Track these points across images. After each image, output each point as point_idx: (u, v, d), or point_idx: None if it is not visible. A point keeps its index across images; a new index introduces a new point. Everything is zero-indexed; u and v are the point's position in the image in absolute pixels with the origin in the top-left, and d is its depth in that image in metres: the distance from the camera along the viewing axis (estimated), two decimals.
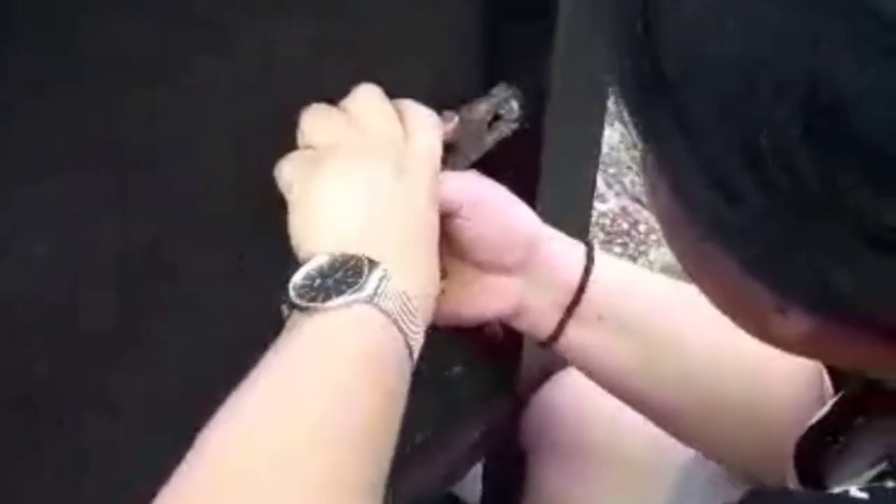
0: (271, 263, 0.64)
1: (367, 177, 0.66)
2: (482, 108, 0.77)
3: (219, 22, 0.63)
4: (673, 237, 0.52)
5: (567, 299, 0.77)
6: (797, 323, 0.47)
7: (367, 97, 0.69)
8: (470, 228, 0.74)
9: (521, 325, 0.79)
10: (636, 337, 0.78)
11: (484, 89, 0.79)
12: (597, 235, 1.62)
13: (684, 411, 0.79)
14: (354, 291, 0.60)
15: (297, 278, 0.61)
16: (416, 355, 0.63)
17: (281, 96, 0.68)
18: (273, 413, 0.56)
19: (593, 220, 1.61)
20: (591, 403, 0.96)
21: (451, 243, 0.74)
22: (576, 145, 0.88)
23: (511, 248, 0.76)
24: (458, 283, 0.76)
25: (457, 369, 0.95)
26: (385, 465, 0.57)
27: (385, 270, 0.61)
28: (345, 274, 0.61)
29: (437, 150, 0.71)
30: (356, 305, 0.60)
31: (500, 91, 0.78)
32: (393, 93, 0.72)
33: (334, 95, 0.70)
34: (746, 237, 0.44)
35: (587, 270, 0.77)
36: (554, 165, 0.85)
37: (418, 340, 0.63)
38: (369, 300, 0.60)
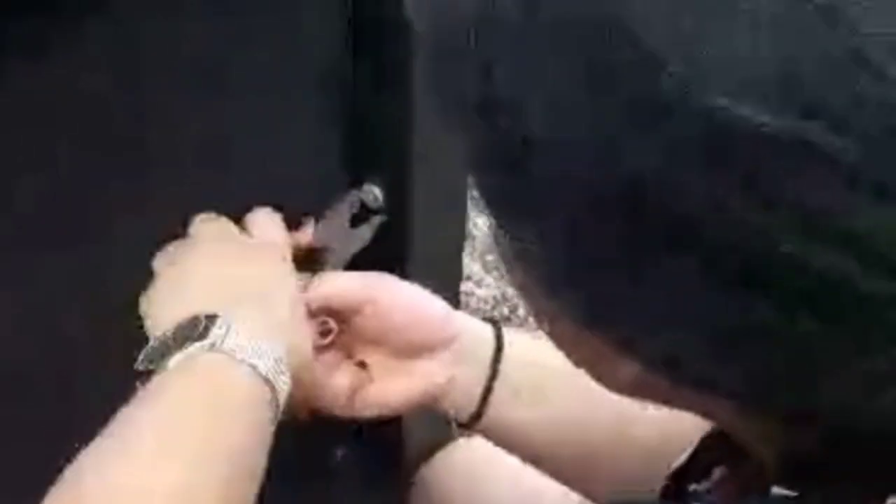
0: None
1: (208, 260, 0.73)
2: (345, 206, 0.83)
3: None
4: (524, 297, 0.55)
5: (485, 374, 0.79)
6: (626, 371, 0.50)
7: (200, 219, 0.77)
8: (377, 320, 0.78)
9: (443, 406, 0.80)
10: (550, 403, 0.80)
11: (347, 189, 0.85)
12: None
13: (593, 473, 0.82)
14: (194, 341, 0.64)
15: (145, 350, 0.66)
16: (282, 398, 0.66)
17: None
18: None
19: (473, 305, 1.67)
20: (480, 476, 0.99)
21: (368, 339, 0.79)
22: (441, 233, 0.94)
23: (424, 329, 0.79)
24: (384, 374, 0.79)
25: (339, 452, 0.99)
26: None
27: (226, 320, 0.65)
28: (185, 333, 0.65)
29: (279, 231, 0.78)
30: (199, 354, 0.64)
31: (358, 193, 0.84)
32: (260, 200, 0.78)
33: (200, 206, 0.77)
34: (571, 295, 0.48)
35: (499, 343, 0.80)
36: (422, 254, 0.91)
37: (283, 382, 0.66)
38: (210, 347, 0.64)
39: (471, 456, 0.89)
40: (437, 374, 0.79)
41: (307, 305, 0.76)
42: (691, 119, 0.41)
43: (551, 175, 0.44)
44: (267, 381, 0.65)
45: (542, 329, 0.56)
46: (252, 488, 0.62)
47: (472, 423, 0.80)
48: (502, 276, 1.74)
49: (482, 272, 1.73)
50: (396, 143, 0.84)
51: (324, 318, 0.78)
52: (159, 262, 0.74)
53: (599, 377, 0.55)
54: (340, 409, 0.79)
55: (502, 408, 0.80)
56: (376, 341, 0.79)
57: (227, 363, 0.65)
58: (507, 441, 0.82)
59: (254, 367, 0.65)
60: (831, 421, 0.46)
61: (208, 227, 0.77)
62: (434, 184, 0.87)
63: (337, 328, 0.78)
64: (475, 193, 0.51)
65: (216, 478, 0.59)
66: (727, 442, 0.58)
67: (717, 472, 0.63)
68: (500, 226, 0.49)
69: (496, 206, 0.49)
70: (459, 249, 0.99)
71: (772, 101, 0.40)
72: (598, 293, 0.47)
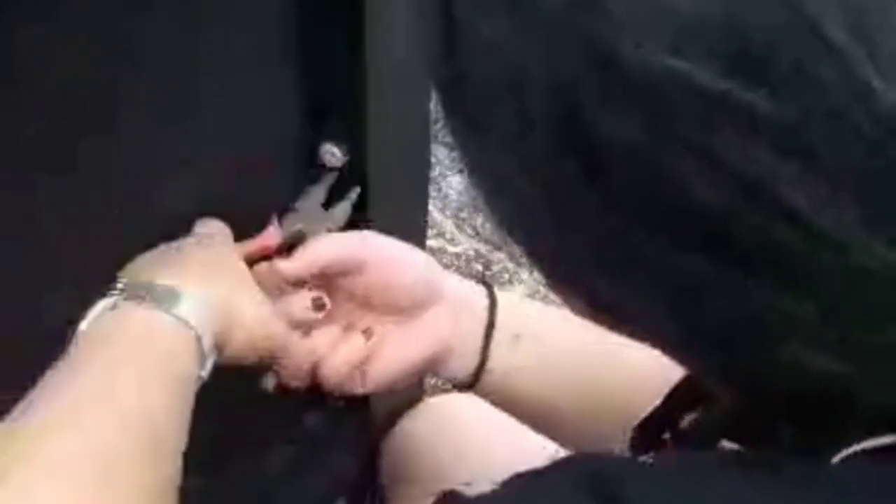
0: None
1: (156, 252, 0.73)
2: (317, 190, 0.82)
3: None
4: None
5: (483, 325, 0.79)
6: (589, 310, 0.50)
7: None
8: (369, 279, 0.77)
9: (445, 365, 0.79)
10: (546, 350, 0.80)
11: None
12: None
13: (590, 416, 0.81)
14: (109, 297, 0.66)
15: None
16: (206, 342, 0.66)
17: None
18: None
19: (447, 262, 1.66)
20: (448, 434, 0.99)
21: (363, 303, 0.78)
22: (404, 189, 0.93)
23: (416, 281, 0.78)
24: (388, 342, 0.78)
25: (309, 420, 0.98)
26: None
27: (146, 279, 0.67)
28: (129, 287, 0.67)
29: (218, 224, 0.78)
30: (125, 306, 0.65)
31: (322, 147, 0.83)
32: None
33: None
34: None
35: (492, 295, 0.80)
36: (384, 210, 0.89)
37: (196, 318, 0.66)
38: (133, 298, 0.65)
39: (438, 417, 0.88)
40: (441, 327, 0.78)
41: (296, 275, 0.75)
42: (636, 71, 0.39)
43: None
44: (184, 322, 0.66)
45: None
46: (176, 443, 0.62)
47: (474, 380, 0.79)
48: (476, 234, 1.73)
49: (455, 230, 1.72)
50: (353, 101, 0.82)
51: (316, 293, 0.76)
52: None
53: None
54: (351, 384, 0.77)
55: (503, 358, 0.79)
56: (371, 304, 0.78)
57: (149, 313, 0.65)
58: (508, 395, 0.81)
59: (175, 316, 0.65)
60: (778, 382, 0.45)
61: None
62: (394, 142, 0.86)
63: (330, 303, 0.77)
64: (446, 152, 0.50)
65: (137, 437, 0.59)
66: (699, 387, 0.57)
67: (687, 420, 0.63)
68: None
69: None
70: (424, 205, 0.98)
71: (719, 61, 0.38)
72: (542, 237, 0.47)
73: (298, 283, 0.76)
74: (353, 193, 0.84)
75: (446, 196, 1.73)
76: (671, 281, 0.43)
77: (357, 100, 0.81)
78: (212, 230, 0.78)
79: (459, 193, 1.75)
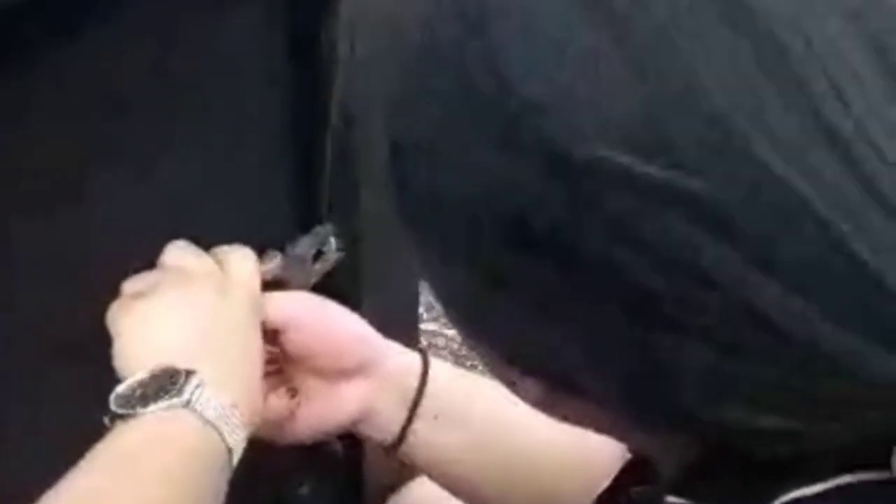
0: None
1: (187, 301, 0.73)
2: (305, 243, 0.86)
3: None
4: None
5: (409, 399, 0.83)
6: (531, 389, 0.55)
7: (177, 247, 0.78)
8: (301, 341, 0.80)
9: (368, 430, 0.84)
10: (469, 429, 0.84)
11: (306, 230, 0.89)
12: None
13: (511, 495, 0.86)
14: (172, 397, 0.66)
15: (119, 390, 0.68)
16: (236, 457, 0.69)
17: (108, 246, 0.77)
18: None
19: (441, 344, 1.69)
20: None
21: (291, 361, 0.81)
22: (394, 276, 0.97)
23: (347, 353, 0.82)
24: (308, 397, 0.82)
25: (303, 489, 1.01)
26: None
27: (201, 378, 0.67)
28: (163, 383, 0.67)
29: (254, 277, 0.79)
30: (173, 410, 0.66)
31: (321, 230, 0.88)
32: (222, 240, 0.81)
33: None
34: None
35: (424, 370, 0.83)
36: (375, 297, 0.94)
37: (238, 442, 0.69)
38: (185, 405, 0.66)
39: (429, 495, 0.92)
40: (358, 400, 0.82)
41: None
42: (570, 165, 0.45)
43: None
44: (227, 447, 0.68)
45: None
46: None
47: (395, 447, 0.84)
48: None
49: None
50: (347, 188, 0.87)
51: (269, 346, 0.80)
52: (132, 287, 0.75)
53: (515, 393, 0.58)
54: (276, 434, 0.81)
55: (424, 433, 0.83)
56: (303, 363, 0.81)
57: (203, 429, 0.67)
58: (427, 465, 0.86)
59: (219, 432, 0.67)
60: (711, 433, 0.49)
61: (183, 259, 0.77)
62: (386, 228, 0.90)
63: (269, 348, 0.80)
64: None
65: None
66: (646, 464, 0.61)
67: (634, 490, 0.67)
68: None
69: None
70: (415, 288, 1.02)
71: (640, 150, 0.44)
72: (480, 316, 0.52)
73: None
74: (334, 255, 0.88)
75: None
76: (618, 352, 0.48)
77: (353, 188, 0.86)
78: (239, 267, 0.78)
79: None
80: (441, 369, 0.85)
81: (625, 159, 0.44)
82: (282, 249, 0.86)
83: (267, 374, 0.79)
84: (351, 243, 0.88)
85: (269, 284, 0.83)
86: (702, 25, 0.44)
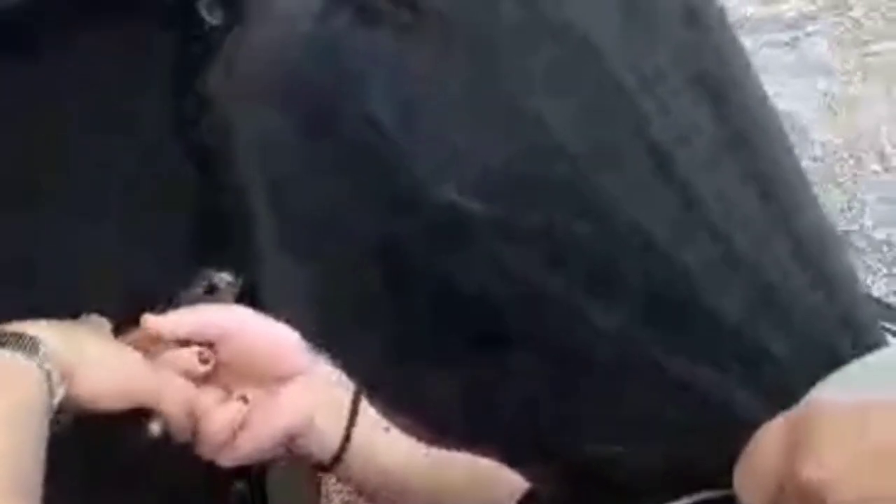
0: None
1: None
2: (196, 284, 0.89)
3: None
4: None
5: (346, 407, 0.83)
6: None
7: None
8: (235, 349, 0.83)
9: (308, 444, 0.84)
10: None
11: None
12: None
13: None
14: None
15: None
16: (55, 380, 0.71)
17: None
18: None
19: None
20: None
21: (233, 370, 0.83)
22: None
23: (281, 358, 0.84)
24: (257, 410, 0.83)
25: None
26: None
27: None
28: None
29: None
30: None
31: (209, 273, 0.91)
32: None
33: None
34: None
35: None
36: None
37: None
38: None
39: None
40: (300, 406, 0.83)
41: (169, 332, 0.81)
42: (428, 209, 0.48)
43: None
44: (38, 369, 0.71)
45: None
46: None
47: (333, 464, 0.84)
48: None
49: None
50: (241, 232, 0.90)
51: (202, 348, 0.83)
52: None
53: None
54: (218, 453, 0.82)
55: (364, 442, 0.84)
56: (239, 372, 0.83)
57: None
58: (364, 482, 0.86)
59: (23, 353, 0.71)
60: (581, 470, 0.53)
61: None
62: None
63: (214, 356, 0.83)
64: None
65: None
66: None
67: None
68: None
69: None
70: None
71: (492, 194, 0.47)
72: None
73: (182, 344, 0.82)
74: (231, 290, 0.91)
75: None
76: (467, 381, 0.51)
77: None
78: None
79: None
80: None
81: (478, 205, 0.48)
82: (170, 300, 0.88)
83: (203, 383, 0.82)
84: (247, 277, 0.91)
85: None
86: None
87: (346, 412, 0.84)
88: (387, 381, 0.54)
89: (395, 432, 0.81)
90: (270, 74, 0.53)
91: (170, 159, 0.89)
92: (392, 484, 0.86)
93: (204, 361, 0.83)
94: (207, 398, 0.83)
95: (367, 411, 0.79)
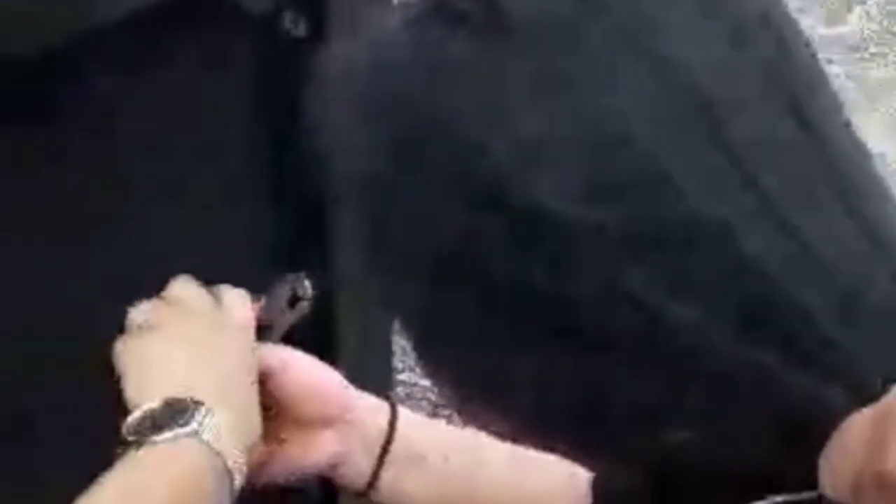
0: None
1: (187, 335, 0.79)
2: (285, 286, 0.90)
3: None
4: None
5: (379, 445, 0.87)
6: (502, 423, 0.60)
7: (180, 282, 0.82)
8: (283, 389, 0.84)
9: (340, 475, 0.87)
10: (438, 474, 0.88)
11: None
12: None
13: None
14: (182, 426, 0.71)
15: (130, 420, 0.72)
16: (237, 483, 0.73)
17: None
18: None
19: (418, 395, 1.73)
20: None
21: (269, 406, 0.84)
22: (368, 325, 1.02)
23: (323, 403, 0.86)
24: (282, 442, 0.85)
25: None
26: None
27: (208, 409, 0.72)
28: (172, 413, 0.72)
29: (248, 315, 0.84)
30: (183, 439, 0.70)
31: (293, 276, 0.92)
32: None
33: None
34: None
35: (393, 418, 0.87)
36: (349, 346, 0.98)
37: (241, 469, 0.74)
38: (194, 434, 0.71)
39: None
40: (329, 446, 0.86)
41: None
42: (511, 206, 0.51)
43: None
44: (230, 474, 0.73)
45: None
46: None
47: (366, 491, 0.88)
48: None
49: None
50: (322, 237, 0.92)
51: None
52: (136, 318, 0.80)
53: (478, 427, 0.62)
54: (252, 475, 0.82)
55: (394, 477, 0.87)
56: (280, 410, 0.85)
57: (209, 456, 0.72)
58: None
59: (225, 464, 0.72)
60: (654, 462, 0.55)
61: (185, 292, 0.82)
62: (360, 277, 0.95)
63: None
64: None
65: None
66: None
67: None
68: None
69: None
70: (389, 338, 1.06)
71: (572, 192, 0.50)
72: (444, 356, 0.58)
73: None
74: (308, 301, 0.92)
75: None
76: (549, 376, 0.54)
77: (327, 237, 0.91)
78: (234, 302, 0.84)
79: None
80: (409, 417, 0.90)
81: (558, 202, 0.50)
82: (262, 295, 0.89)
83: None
84: (325, 290, 0.92)
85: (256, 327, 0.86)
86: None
87: (378, 450, 0.87)
88: (465, 369, 0.56)
89: (429, 468, 0.86)
90: (360, 84, 0.55)
91: (252, 168, 0.91)
92: None
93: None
94: None
95: (402, 445, 0.87)
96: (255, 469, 0.84)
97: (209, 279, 0.86)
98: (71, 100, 0.76)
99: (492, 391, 0.57)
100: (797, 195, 0.52)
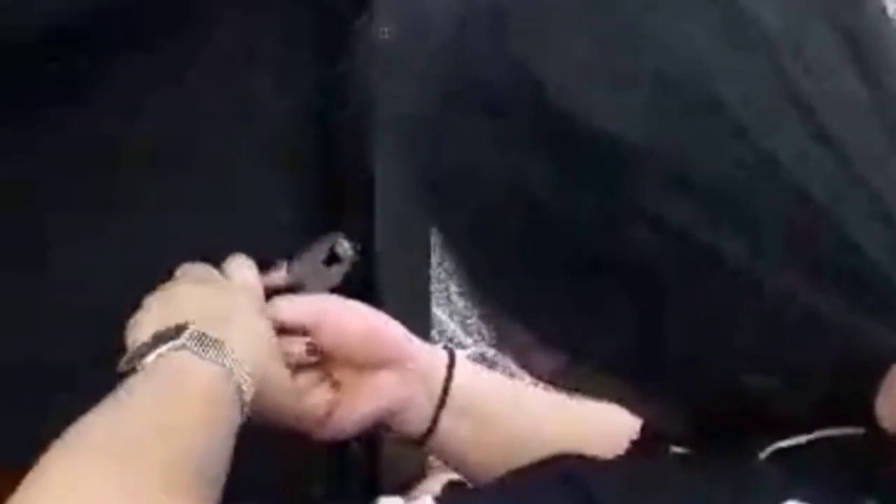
0: None
1: (195, 291, 0.82)
2: (319, 247, 0.93)
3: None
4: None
5: (439, 391, 0.87)
6: (544, 360, 0.60)
7: (185, 265, 0.86)
8: (332, 336, 0.86)
9: (401, 421, 0.88)
10: (494, 423, 0.89)
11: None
12: None
13: None
14: (166, 343, 0.74)
15: (123, 358, 0.75)
16: (247, 398, 0.75)
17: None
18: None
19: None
20: None
21: (333, 356, 0.87)
22: (406, 282, 1.03)
23: (381, 346, 0.87)
24: (350, 391, 0.87)
25: (318, 487, 1.05)
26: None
27: (195, 329, 0.74)
28: (160, 337, 0.75)
29: (249, 274, 0.87)
30: (172, 353, 0.73)
31: (331, 236, 0.94)
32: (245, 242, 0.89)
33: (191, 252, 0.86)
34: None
35: (451, 365, 0.88)
36: (389, 298, 0.99)
37: (244, 377, 0.75)
38: (182, 347, 0.73)
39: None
40: (391, 391, 0.87)
41: (292, 319, 0.85)
42: (586, 144, 0.51)
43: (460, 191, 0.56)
44: (231, 378, 0.74)
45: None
46: (204, 479, 0.68)
47: (424, 438, 0.89)
48: (481, 337, 1.83)
49: (461, 334, 1.82)
50: (363, 196, 0.93)
51: (309, 339, 0.86)
52: (147, 300, 0.82)
53: (527, 367, 0.63)
54: (316, 428, 0.87)
55: (450, 426, 0.88)
56: (338, 358, 0.87)
57: (193, 360, 0.74)
58: (453, 458, 0.91)
59: (220, 365, 0.74)
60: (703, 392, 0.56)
61: (192, 269, 0.86)
62: (398, 235, 0.96)
63: (321, 348, 0.86)
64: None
65: (159, 460, 0.66)
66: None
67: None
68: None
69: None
70: (426, 294, 1.08)
71: (650, 131, 0.50)
72: (505, 292, 0.58)
73: (291, 330, 0.86)
74: (348, 261, 0.93)
75: (453, 302, 1.84)
76: (615, 312, 0.54)
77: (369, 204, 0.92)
78: (241, 271, 0.87)
79: (466, 299, 1.83)
80: (466, 364, 0.91)
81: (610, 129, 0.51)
82: (289, 258, 0.92)
83: (301, 369, 0.86)
84: (365, 247, 0.94)
85: (283, 292, 0.89)
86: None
87: (438, 396, 0.87)
88: (514, 305, 0.58)
89: (483, 414, 0.88)
90: (404, 28, 0.56)
91: (295, 129, 0.92)
92: (480, 466, 0.88)
93: (312, 353, 0.86)
94: (303, 380, 0.87)
95: (459, 393, 0.87)
96: (319, 424, 0.87)
97: (252, 242, 0.88)
98: (106, 67, 0.78)
99: (538, 326, 0.58)
100: (855, 134, 0.52)
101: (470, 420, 0.88)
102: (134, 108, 0.82)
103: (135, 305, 0.82)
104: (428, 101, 0.56)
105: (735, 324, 0.52)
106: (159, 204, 0.87)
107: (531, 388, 0.90)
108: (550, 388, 0.68)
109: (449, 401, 0.87)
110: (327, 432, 0.88)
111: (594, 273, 0.53)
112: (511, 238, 0.55)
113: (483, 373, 0.93)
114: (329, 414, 0.87)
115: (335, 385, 0.88)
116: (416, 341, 0.89)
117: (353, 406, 0.87)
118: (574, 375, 0.61)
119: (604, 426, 0.77)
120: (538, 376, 0.63)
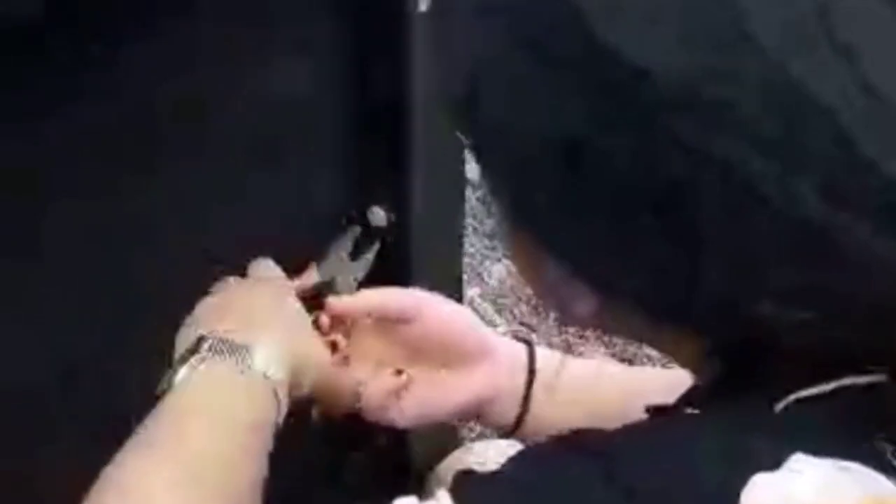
0: None
1: (220, 303, 0.84)
2: (344, 241, 0.96)
3: None
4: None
5: (523, 382, 0.88)
6: (587, 303, 0.61)
7: (219, 281, 0.89)
8: (424, 331, 0.87)
9: (487, 413, 0.89)
10: (582, 405, 0.89)
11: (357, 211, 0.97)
12: None
13: None
14: (185, 358, 0.75)
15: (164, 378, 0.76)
16: (281, 391, 0.76)
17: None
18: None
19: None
20: None
21: (412, 349, 0.88)
22: (440, 258, 1.05)
23: (462, 337, 0.88)
24: (427, 384, 0.88)
25: (350, 459, 1.07)
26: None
27: (212, 337, 0.76)
28: (181, 357, 0.76)
29: (272, 272, 0.90)
30: (201, 367, 0.75)
31: (371, 210, 0.96)
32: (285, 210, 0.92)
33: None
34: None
35: (531, 355, 0.90)
36: (421, 273, 1.01)
37: (274, 371, 0.76)
38: (201, 361, 0.75)
39: (473, 460, 0.98)
40: (477, 385, 0.88)
41: (355, 312, 0.88)
42: (621, 89, 0.52)
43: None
44: (259, 380, 0.75)
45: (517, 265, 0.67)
46: (251, 484, 0.71)
47: (514, 428, 0.90)
48: (514, 318, 1.84)
49: (494, 314, 1.83)
50: (399, 170, 0.95)
51: (333, 335, 0.88)
52: (195, 310, 0.84)
53: (562, 309, 0.65)
54: (380, 414, 0.88)
55: (540, 410, 0.89)
56: (420, 352, 0.88)
57: (220, 371, 0.75)
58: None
59: (241, 371, 0.75)
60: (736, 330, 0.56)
61: (223, 283, 0.88)
62: (432, 207, 0.98)
63: (343, 342, 0.88)
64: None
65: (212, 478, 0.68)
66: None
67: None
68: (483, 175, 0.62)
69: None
70: (459, 274, 1.09)
71: (693, 69, 0.51)
72: (545, 226, 0.59)
73: (337, 322, 0.88)
74: (374, 248, 0.97)
75: (487, 283, 1.86)
76: (652, 249, 0.55)
77: (403, 168, 0.94)
78: (266, 272, 0.90)
79: (499, 281, 1.86)
80: (544, 353, 0.91)
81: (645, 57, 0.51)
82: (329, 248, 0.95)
83: (346, 360, 0.88)
84: (399, 222, 0.95)
85: (316, 292, 0.92)
86: None
87: (522, 388, 0.89)
88: (563, 241, 0.58)
89: (565, 404, 0.88)
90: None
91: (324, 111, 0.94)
92: None
93: (332, 348, 0.88)
94: (361, 370, 0.88)
95: (539, 386, 0.88)
96: (383, 409, 0.88)
97: (292, 218, 0.89)
98: (114, 53, 0.79)
99: (577, 261, 0.59)
100: (882, 60, 0.51)
101: (559, 397, 0.88)
102: (150, 88, 0.83)
103: (143, 299, 0.85)
104: (470, 41, 0.57)
105: (775, 260, 0.52)
106: (167, 193, 0.88)
107: (609, 363, 0.90)
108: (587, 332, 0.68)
109: (534, 392, 0.88)
110: (397, 421, 0.88)
111: (633, 209, 0.53)
112: (554, 175, 0.55)
113: (558, 357, 0.93)
114: (390, 402, 0.87)
115: (397, 371, 0.88)
116: (494, 335, 0.91)
117: (432, 399, 0.88)
118: (609, 316, 0.62)
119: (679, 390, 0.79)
120: (574, 319, 0.64)
